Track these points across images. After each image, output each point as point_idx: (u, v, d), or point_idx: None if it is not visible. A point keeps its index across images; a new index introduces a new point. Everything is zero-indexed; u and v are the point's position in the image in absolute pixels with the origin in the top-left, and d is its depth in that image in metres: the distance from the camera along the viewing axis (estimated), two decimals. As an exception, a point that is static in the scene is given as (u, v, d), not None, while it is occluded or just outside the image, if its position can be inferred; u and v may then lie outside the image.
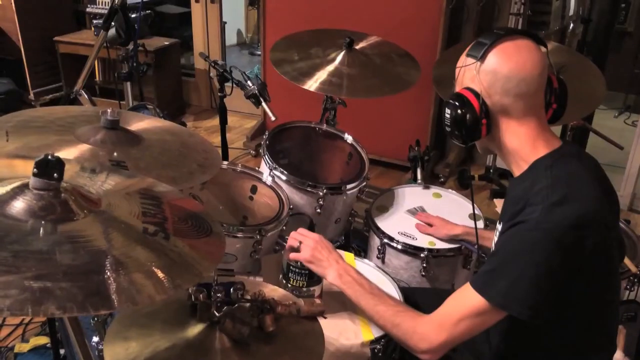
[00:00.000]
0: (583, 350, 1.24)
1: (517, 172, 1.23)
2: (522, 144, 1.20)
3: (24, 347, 2.08)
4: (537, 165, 1.18)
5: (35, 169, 0.83)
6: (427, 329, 1.19)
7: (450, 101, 1.21)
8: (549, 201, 1.10)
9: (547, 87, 1.21)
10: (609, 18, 3.31)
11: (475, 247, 1.75)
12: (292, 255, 1.37)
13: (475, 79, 1.18)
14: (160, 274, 0.81)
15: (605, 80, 2.11)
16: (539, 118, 1.20)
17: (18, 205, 0.82)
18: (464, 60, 1.22)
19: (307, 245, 1.36)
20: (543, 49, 1.21)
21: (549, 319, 1.13)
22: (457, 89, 1.23)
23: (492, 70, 1.17)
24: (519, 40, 1.17)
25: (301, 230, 1.42)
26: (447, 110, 1.22)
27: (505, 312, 1.13)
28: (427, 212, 1.95)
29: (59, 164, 0.84)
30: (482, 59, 1.17)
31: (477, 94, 1.18)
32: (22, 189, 0.84)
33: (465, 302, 1.16)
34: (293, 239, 1.39)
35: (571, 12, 3.79)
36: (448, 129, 1.24)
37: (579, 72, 2.07)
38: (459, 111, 1.18)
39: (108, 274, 0.76)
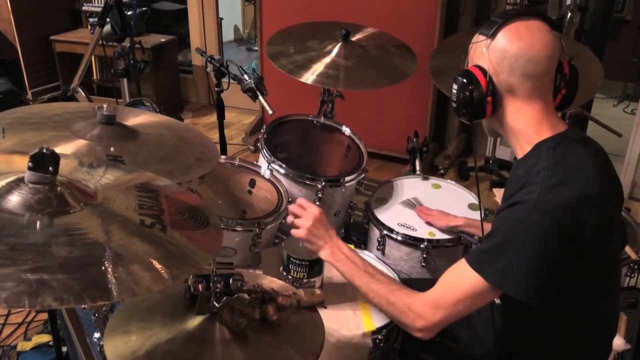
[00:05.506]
0: (584, 336, 1.25)
1: (520, 154, 1.22)
2: (527, 125, 1.19)
3: (27, 346, 2.09)
4: (540, 146, 1.17)
5: (30, 163, 0.83)
6: (423, 308, 1.19)
7: (458, 77, 1.20)
8: (547, 182, 1.10)
9: (558, 72, 1.20)
10: (607, 6, 3.30)
11: (474, 237, 1.75)
12: (291, 232, 1.38)
13: (484, 56, 1.18)
14: (157, 265, 0.81)
15: (602, 69, 2.10)
16: (546, 101, 1.19)
17: (14, 199, 0.82)
18: (475, 37, 1.22)
19: (304, 223, 1.36)
20: (556, 32, 1.20)
21: (545, 301, 1.13)
22: (468, 66, 1.23)
23: (501, 49, 1.16)
24: (531, 21, 1.17)
25: (301, 201, 1.42)
26: (455, 87, 1.21)
27: (502, 291, 1.13)
28: (424, 205, 1.94)
29: (54, 157, 0.84)
30: (492, 36, 1.17)
31: (484, 72, 1.17)
32: (17, 183, 0.84)
33: (463, 281, 1.15)
34: (292, 212, 1.39)
35: (569, 1, 3.77)
36: (454, 105, 1.23)
37: (576, 61, 2.06)
38: (465, 88, 1.18)
39: (105, 265, 0.76)
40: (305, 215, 1.37)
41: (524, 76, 1.16)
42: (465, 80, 1.18)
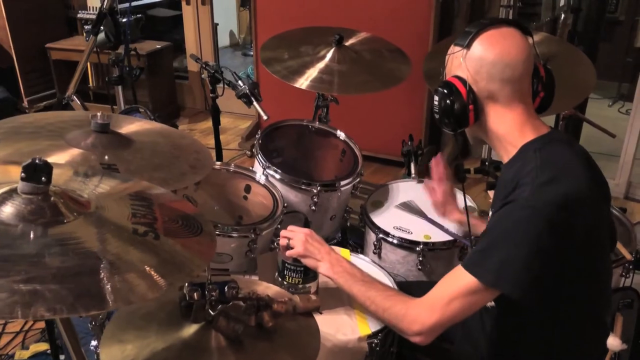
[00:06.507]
0: (577, 335, 1.25)
1: (506, 158, 1.25)
2: (510, 130, 1.22)
3: (24, 354, 2.09)
4: (526, 148, 1.19)
5: (23, 174, 0.83)
6: (419, 311, 1.20)
7: (439, 89, 1.23)
8: (538, 181, 1.11)
9: (534, 76, 1.23)
10: (599, 7, 3.32)
11: (469, 241, 1.76)
12: (288, 253, 1.37)
13: (462, 66, 1.21)
14: (151, 273, 0.81)
15: (595, 70, 2.11)
16: (526, 104, 1.22)
17: (7, 210, 0.82)
18: (451, 48, 1.25)
19: (298, 240, 1.36)
20: (529, 38, 1.23)
21: (538, 299, 1.13)
22: (446, 77, 1.26)
23: (478, 57, 1.19)
24: (503, 29, 1.21)
25: (290, 227, 1.43)
26: (436, 98, 1.25)
27: (496, 290, 1.13)
28: (421, 208, 1.95)
29: (47, 167, 0.84)
30: (468, 46, 1.20)
31: (464, 81, 1.20)
32: (10, 194, 0.84)
33: (456, 282, 1.16)
34: (283, 237, 1.39)
35: (562, 2, 3.79)
36: (437, 116, 1.26)
37: (569, 62, 2.08)
38: (447, 98, 1.21)
39: (98, 274, 0.76)
40: (296, 235, 1.38)
41: (503, 81, 1.19)
42: (445, 91, 1.22)
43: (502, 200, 1.17)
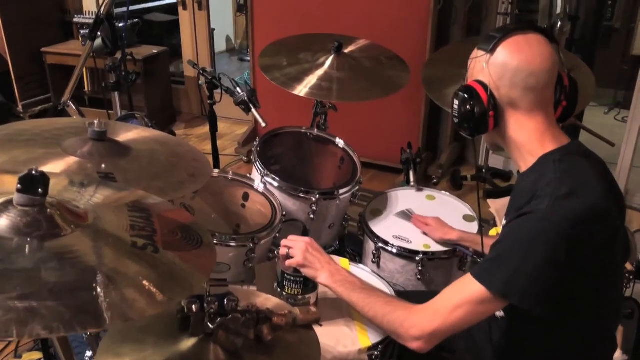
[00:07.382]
0: (586, 349, 1.24)
1: (524, 167, 1.22)
2: (530, 138, 1.19)
3: (17, 364, 2.06)
4: (545, 159, 1.17)
5: (19, 185, 0.81)
6: (420, 317, 1.17)
7: (459, 93, 1.20)
8: (557, 194, 1.09)
9: (558, 85, 1.21)
10: (596, 15, 3.34)
11: (469, 250, 1.75)
12: (287, 263, 1.35)
13: (485, 71, 1.18)
14: (150, 288, 0.79)
15: (594, 78, 2.11)
16: (547, 114, 1.20)
17: (2, 223, 0.80)
18: (474, 52, 1.22)
19: (298, 249, 1.35)
20: (554, 45, 1.20)
21: (549, 312, 1.12)
22: (467, 81, 1.23)
23: (502, 63, 1.16)
24: (529, 35, 1.17)
25: (290, 236, 1.41)
26: (456, 102, 1.21)
27: (506, 300, 1.11)
28: (419, 214, 1.94)
29: (44, 178, 0.82)
30: (492, 51, 1.17)
31: (485, 87, 1.17)
32: (5, 205, 0.82)
33: (463, 290, 1.14)
34: (283, 247, 1.38)
35: (559, 10, 3.80)
36: (456, 120, 1.23)
37: (568, 70, 2.07)
38: (467, 103, 1.18)
39: (96, 290, 0.74)
40: (296, 244, 1.36)
41: (526, 90, 1.16)
42: (466, 96, 1.19)
43: (517, 210, 1.15)
